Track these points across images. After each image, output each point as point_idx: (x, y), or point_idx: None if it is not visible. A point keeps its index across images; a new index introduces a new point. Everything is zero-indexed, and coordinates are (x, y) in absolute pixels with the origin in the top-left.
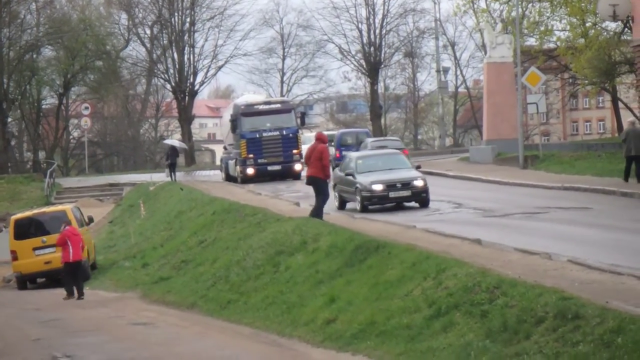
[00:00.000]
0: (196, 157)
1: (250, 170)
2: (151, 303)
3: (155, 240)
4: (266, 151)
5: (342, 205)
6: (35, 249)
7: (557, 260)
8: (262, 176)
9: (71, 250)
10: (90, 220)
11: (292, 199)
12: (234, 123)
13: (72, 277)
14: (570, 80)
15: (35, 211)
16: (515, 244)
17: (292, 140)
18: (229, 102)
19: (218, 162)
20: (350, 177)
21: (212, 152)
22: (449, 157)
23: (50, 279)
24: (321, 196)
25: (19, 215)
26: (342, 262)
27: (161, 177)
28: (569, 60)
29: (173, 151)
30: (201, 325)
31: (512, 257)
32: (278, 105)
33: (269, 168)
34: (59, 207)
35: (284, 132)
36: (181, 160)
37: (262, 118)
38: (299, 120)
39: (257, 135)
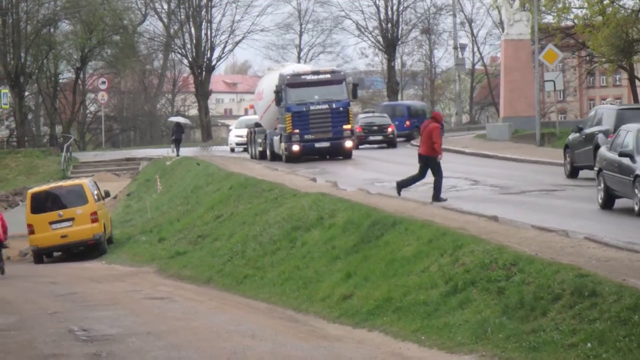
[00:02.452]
0: (213, 133)
1: (295, 147)
2: (167, 277)
3: (171, 214)
4: (314, 126)
5: (608, 204)
6: (51, 222)
7: (573, 238)
8: (309, 154)
9: None
10: (107, 194)
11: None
12: (279, 95)
13: None
14: (588, 58)
15: (52, 185)
16: (532, 221)
17: (342, 115)
18: (246, 77)
19: (229, 139)
20: (626, 161)
21: (228, 128)
22: (465, 134)
23: (67, 252)
24: (437, 176)
25: (36, 189)
26: (358, 238)
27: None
28: (586, 37)
29: (178, 127)
30: (217, 300)
31: (529, 234)
32: (328, 76)
33: (317, 145)
34: (76, 181)
35: (334, 105)
36: (198, 135)
37: (310, 89)
38: (350, 92)
39: (304, 109)
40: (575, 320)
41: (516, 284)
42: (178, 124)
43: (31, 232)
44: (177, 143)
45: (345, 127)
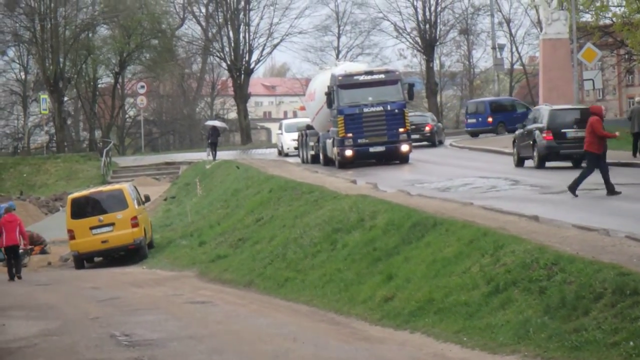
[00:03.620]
0: (252, 136)
1: (348, 152)
2: (208, 281)
3: (212, 218)
4: (368, 129)
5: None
6: (92, 228)
7: (614, 236)
8: (364, 158)
9: (4, 236)
10: (147, 199)
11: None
12: (330, 96)
13: (9, 260)
14: (627, 57)
15: (92, 190)
16: (573, 220)
17: (398, 117)
18: (284, 80)
19: (278, 143)
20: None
21: (268, 131)
22: (505, 135)
23: (108, 257)
24: (588, 169)
25: (76, 194)
26: (399, 239)
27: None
28: (625, 36)
29: (214, 131)
30: (258, 303)
31: (570, 233)
32: (382, 76)
33: (371, 149)
34: (116, 186)
35: (389, 107)
36: (237, 138)
37: (364, 90)
38: (406, 93)
39: (357, 111)
40: (617, 319)
41: (557, 283)
42: (214, 128)
43: (72, 237)
44: (214, 146)
45: (401, 130)
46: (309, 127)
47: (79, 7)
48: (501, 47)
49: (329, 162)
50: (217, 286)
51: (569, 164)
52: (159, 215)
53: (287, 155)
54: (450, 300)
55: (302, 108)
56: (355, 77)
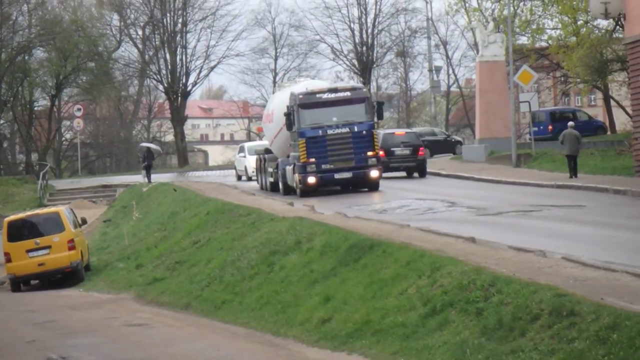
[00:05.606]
0: (189, 158)
1: (311, 179)
2: (146, 304)
3: (149, 241)
4: (332, 153)
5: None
6: (28, 250)
7: (551, 258)
8: (328, 186)
9: None
10: (84, 221)
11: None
12: (290, 117)
13: None
14: (562, 79)
15: (29, 213)
16: (509, 241)
17: (366, 139)
18: (221, 103)
19: (238, 166)
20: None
21: (205, 153)
22: (441, 156)
23: (44, 280)
24: None
25: (12, 217)
26: (336, 262)
27: (154, 178)
28: (560, 58)
29: (149, 153)
30: (196, 325)
31: (506, 254)
32: (348, 94)
33: (337, 176)
34: (52, 209)
35: (356, 128)
36: (174, 161)
37: (327, 110)
38: (375, 113)
39: (321, 133)
40: (554, 340)
41: (494, 304)
42: (149, 150)
43: (8, 260)
44: (148, 169)
45: (369, 153)
46: (267, 150)
47: (15, 29)
48: (438, 70)
49: (289, 190)
50: (154, 309)
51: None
52: (95, 238)
53: (249, 179)
54: (388, 322)
55: (260, 129)
56: (318, 96)
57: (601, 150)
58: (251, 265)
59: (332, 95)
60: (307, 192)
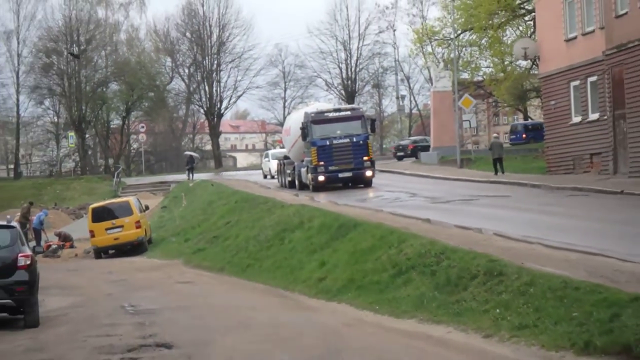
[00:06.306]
0: (223, 162)
1: (321, 178)
2: (191, 267)
3: (193, 222)
4: (337, 158)
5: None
6: (107, 229)
7: (485, 234)
8: (333, 183)
9: None
10: (147, 207)
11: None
12: (305, 131)
13: None
14: (494, 103)
15: (107, 202)
16: (455, 222)
17: (362, 147)
18: (246, 122)
19: (264, 168)
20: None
21: (234, 159)
22: (406, 161)
23: (118, 250)
24: None
25: (95, 205)
26: (329, 236)
27: (196, 177)
28: (492, 88)
29: (190, 159)
30: (228, 283)
31: (453, 231)
32: (348, 113)
33: (340, 175)
34: (124, 199)
35: (354, 139)
36: (212, 164)
37: (333, 125)
38: (369, 127)
39: (328, 143)
40: (487, 293)
41: (444, 267)
42: (191, 157)
43: (92, 235)
44: (191, 170)
45: (365, 158)
46: (285, 157)
47: (96, 69)
48: (403, 97)
49: (303, 186)
50: (197, 271)
51: None
52: (155, 219)
53: (272, 177)
54: (367, 280)
55: (280, 141)
56: (326, 114)
57: (522, 156)
58: (267, 239)
59: (337, 114)
60: (318, 187)
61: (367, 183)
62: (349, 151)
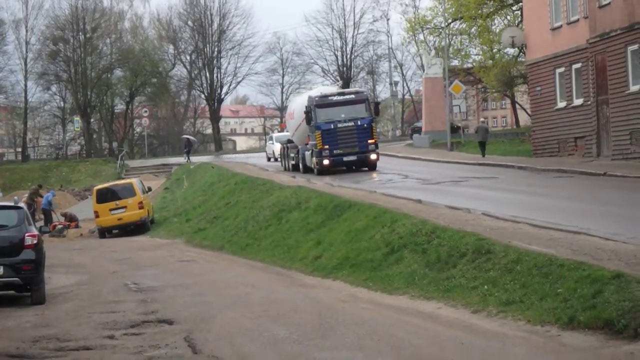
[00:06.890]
0: (223, 145)
1: (326, 161)
2: (192, 246)
3: (194, 202)
4: (341, 142)
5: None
6: (111, 209)
7: (474, 213)
8: (338, 166)
9: None
10: (149, 189)
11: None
12: (309, 115)
13: None
14: (482, 89)
15: (111, 183)
16: (445, 202)
17: (367, 130)
18: (245, 107)
19: (268, 150)
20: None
21: (234, 142)
22: (398, 144)
23: (122, 230)
24: None
25: (99, 186)
26: (325, 216)
27: (195, 159)
28: (481, 75)
29: (188, 142)
30: (227, 261)
31: (443, 211)
32: (352, 96)
33: (345, 159)
34: (127, 180)
35: (359, 123)
36: (212, 147)
37: (337, 109)
38: (373, 110)
39: (332, 126)
40: (476, 270)
41: (435, 245)
42: (188, 140)
43: (97, 216)
44: (188, 153)
45: (370, 141)
46: (289, 141)
47: (101, 56)
48: (396, 83)
49: (307, 170)
50: (198, 249)
51: None
52: (157, 200)
53: (276, 159)
54: (360, 258)
55: (283, 125)
56: (330, 98)
57: (509, 139)
58: (266, 219)
59: (341, 98)
60: (323, 171)
61: (372, 166)
62: (353, 135)
